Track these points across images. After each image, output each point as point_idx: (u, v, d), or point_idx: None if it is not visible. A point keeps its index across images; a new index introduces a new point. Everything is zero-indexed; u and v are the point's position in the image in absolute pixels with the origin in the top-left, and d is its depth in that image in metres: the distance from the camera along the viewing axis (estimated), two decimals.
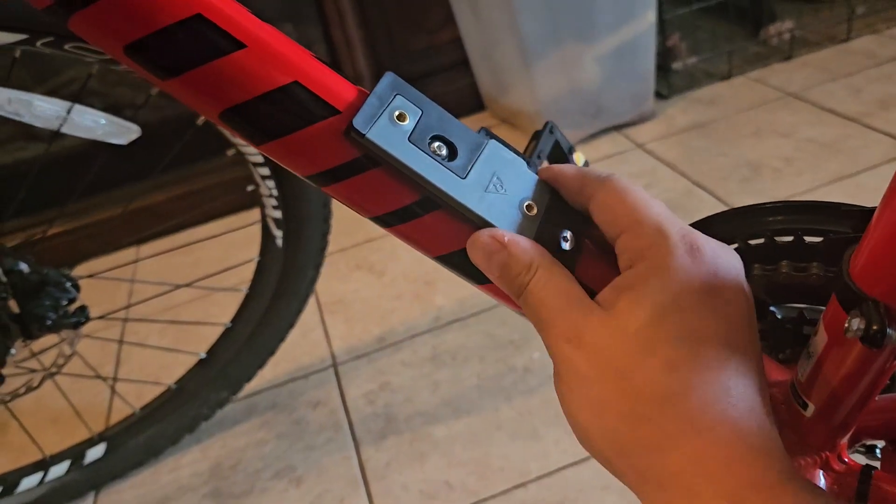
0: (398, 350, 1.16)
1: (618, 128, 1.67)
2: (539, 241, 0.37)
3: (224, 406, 1.06)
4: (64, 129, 0.69)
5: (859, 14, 1.85)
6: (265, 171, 0.83)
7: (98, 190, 1.53)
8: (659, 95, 1.73)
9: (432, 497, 0.91)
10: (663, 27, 1.69)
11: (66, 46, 0.64)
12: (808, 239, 0.43)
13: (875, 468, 0.41)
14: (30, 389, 0.84)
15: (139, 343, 1.26)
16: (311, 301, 1.32)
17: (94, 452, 0.99)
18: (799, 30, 1.83)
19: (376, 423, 1.04)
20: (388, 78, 0.37)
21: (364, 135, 0.35)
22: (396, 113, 0.36)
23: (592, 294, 0.33)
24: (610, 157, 1.57)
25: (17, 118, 0.66)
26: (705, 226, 0.47)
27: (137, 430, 1.01)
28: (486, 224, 0.36)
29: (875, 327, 0.31)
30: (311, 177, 0.38)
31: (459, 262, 0.39)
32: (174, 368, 1.06)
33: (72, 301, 0.75)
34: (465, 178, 0.37)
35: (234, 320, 1.00)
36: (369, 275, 1.37)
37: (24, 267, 0.71)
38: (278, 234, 0.91)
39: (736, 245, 0.45)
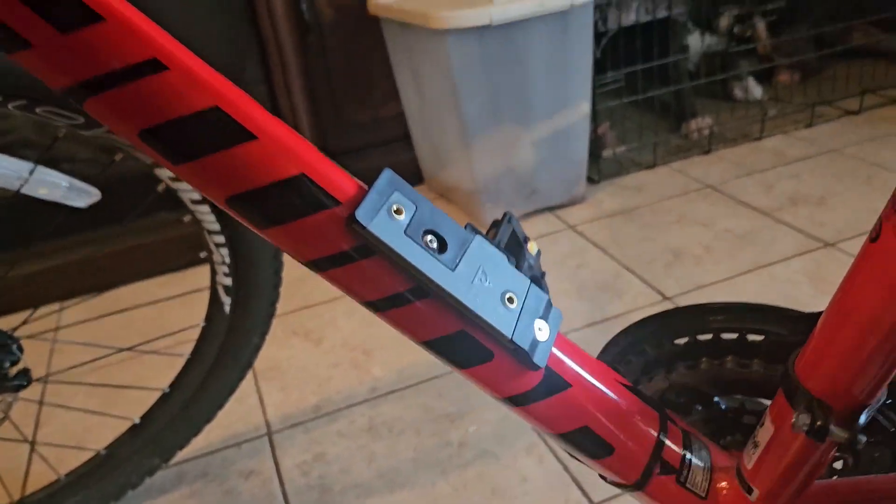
0: (334, 420, 1.16)
1: (551, 209, 1.74)
2: (517, 331, 0.40)
3: (154, 474, 1.03)
4: (24, 190, 0.69)
5: (771, 116, 2.01)
6: (220, 238, 0.84)
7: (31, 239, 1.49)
8: (590, 180, 1.82)
9: None
10: (595, 117, 1.79)
11: (38, 110, 0.65)
12: (750, 337, 0.47)
13: None
14: None
15: (63, 405, 1.21)
16: None
17: None
18: (717, 126, 1.98)
19: (311, 494, 1.03)
20: (387, 174, 0.40)
21: (365, 227, 0.38)
22: (394, 207, 0.39)
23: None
24: (543, 237, 1.63)
25: None
26: (661, 319, 0.51)
27: (61, 497, 0.97)
28: (473, 314, 0.39)
29: (819, 423, 0.35)
30: (309, 262, 0.40)
31: (444, 348, 0.41)
32: (99, 432, 1.02)
33: (14, 363, 0.73)
34: (454, 270, 0.40)
35: (172, 386, 0.98)
36: (306, 342, 1.37)
37: None
38: (227, 300, 0.91)
39: (686, 339, 0.50)
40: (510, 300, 0.41)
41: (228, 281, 0.89)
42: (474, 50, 1.48)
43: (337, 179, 0.39)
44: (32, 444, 1.14)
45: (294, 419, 1.18)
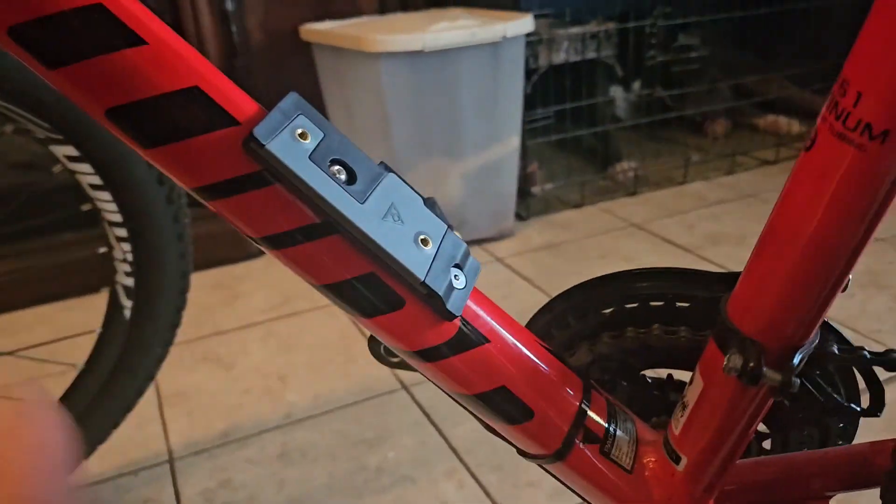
0: (243, 446, 1.08)
1: (479, 241, 1.72)
2: (431, 275, 0.37)
3: None
4: None
5: (694, 162, 2.07)
6: (122, 231, 0.78)
7: None
8: (518, 216, 1.82)
9: None
10: (525, 154, 1.80)
11: None
12: (678, 304, 0.45)
13: None
14: None
15: None
16: (151, 392, 1.22)
17: None
18: (642, 170, 2.01)
19: None
20: (293, 97, 0.37)
21: (264, 146, 0.34)
22: (299, 131, 0.36)
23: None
24: None
25: None
26: (585, 289, 0.48)
27: None
28: (382, 251, 0.36)
29: (752, 364, 0.33)
30: (199, 189, 0.36)
31: (349, 293, 0.37)
32: None
33: None
34: (363, 203, 0.36)
35: (63, 399, 0.90)
36: (217, 367, 1.29)
37: None
38: (127, 304, 0.84)
39: (612, 308, 0.47)
40: (424, 242, 0.38)
41: (130, 281, 0.82)
42: (406, 75, 1.47)
43: (235, 97, 0.36)
44: None
45: (199, 446, 1.09)
